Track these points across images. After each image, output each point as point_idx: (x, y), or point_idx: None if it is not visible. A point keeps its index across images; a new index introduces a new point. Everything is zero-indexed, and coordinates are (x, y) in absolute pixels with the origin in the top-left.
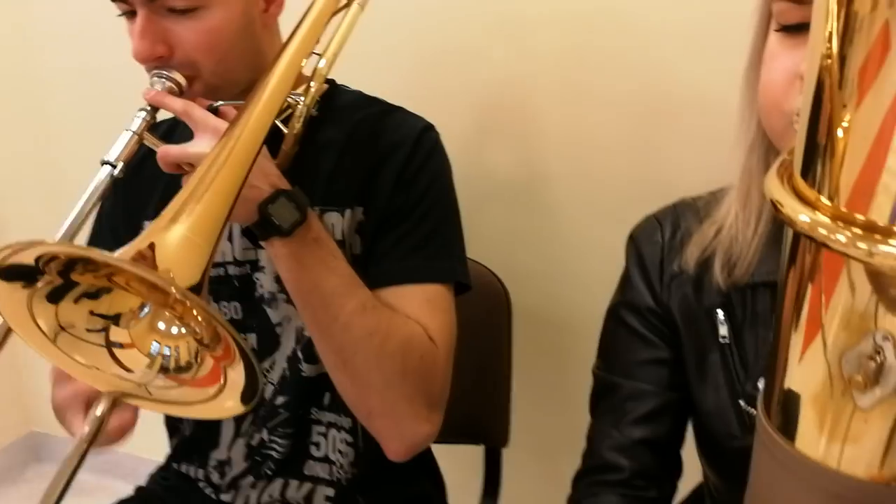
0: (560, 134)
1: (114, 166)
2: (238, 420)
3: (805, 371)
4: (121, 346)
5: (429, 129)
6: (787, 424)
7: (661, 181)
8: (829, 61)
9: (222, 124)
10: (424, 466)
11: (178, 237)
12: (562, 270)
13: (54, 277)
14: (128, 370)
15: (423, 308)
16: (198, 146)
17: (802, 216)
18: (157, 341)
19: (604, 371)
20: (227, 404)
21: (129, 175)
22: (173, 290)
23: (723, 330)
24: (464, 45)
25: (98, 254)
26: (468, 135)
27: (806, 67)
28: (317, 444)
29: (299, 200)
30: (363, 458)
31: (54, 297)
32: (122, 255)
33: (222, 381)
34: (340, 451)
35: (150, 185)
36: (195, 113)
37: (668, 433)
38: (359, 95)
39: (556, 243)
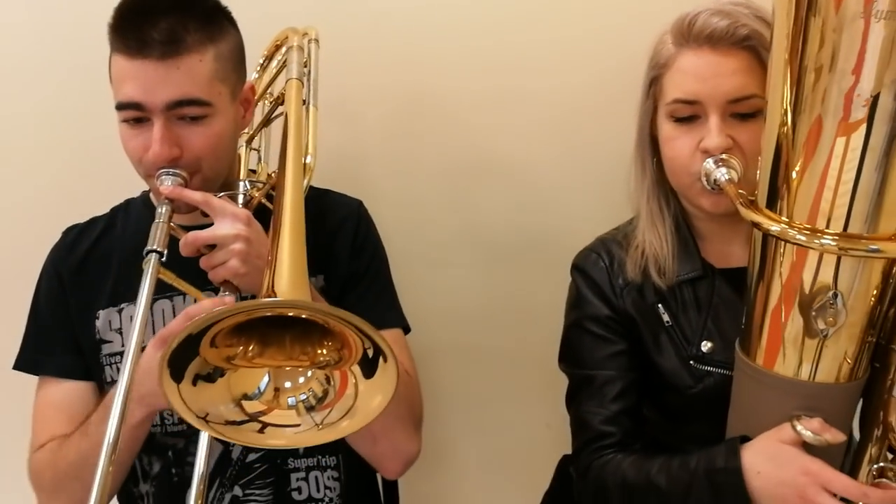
0: (391, 196)
1: (160, 253)
2: (204, 487)
3: (784, 320)
4: (262, 413)
5: (361, 204)
6: (767, 358)
7: (474, 226)
8: (785, 132)
9: (240, 210)
10: (390, 491)
11: (285, 284)
12: None
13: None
14: (294, 425)
15: (393, 349)
16: (222, 229)
17: (774, 227)
18: (291, 397)
19: (577, 369)
20: (361, 388)
21: (72, 275)
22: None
23: (665, 317)
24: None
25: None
26: None
27: (764, 136)
28: (298, 489)
29: None
30: (348, 488)
31: (177, 373)
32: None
33: (353, 378)
34: (328, 488)
35: (99, 281)
36: (214, 202)
37: (635, 402)
38: None
39: None
